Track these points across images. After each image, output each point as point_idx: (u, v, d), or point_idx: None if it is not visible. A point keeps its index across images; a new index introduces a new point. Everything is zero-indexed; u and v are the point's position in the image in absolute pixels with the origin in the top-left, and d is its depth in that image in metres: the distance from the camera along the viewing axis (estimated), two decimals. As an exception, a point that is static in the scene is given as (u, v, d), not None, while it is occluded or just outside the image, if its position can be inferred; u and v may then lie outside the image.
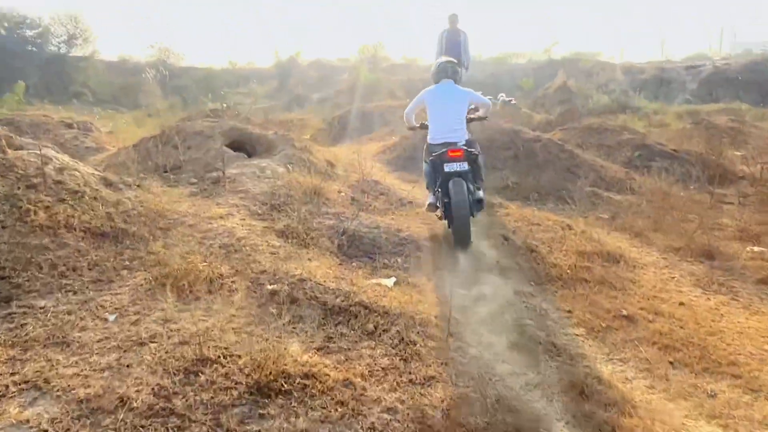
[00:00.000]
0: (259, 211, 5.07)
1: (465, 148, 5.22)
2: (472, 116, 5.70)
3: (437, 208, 5.37)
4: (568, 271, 4.94)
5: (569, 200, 7.41)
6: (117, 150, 7.11)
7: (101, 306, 3.31)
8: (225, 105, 9.21)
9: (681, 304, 4.64)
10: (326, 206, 5.52)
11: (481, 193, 5.34)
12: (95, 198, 4.40)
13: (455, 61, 5.84)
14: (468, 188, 5.11)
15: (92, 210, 4.22)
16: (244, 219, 4.82)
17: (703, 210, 7.32)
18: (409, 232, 5.30)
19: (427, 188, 5.63)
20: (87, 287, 3.49)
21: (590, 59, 35.67)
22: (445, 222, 5.40)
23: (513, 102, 17.95)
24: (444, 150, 5.18)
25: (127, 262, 3.85)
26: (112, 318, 3.20)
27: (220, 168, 5.81)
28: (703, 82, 31.99)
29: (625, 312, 4.31)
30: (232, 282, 3.69)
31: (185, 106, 28.70)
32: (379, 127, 13.37)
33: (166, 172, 6.17)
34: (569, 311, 4.29)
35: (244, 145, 6.83)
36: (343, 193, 6.04)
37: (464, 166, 5.15)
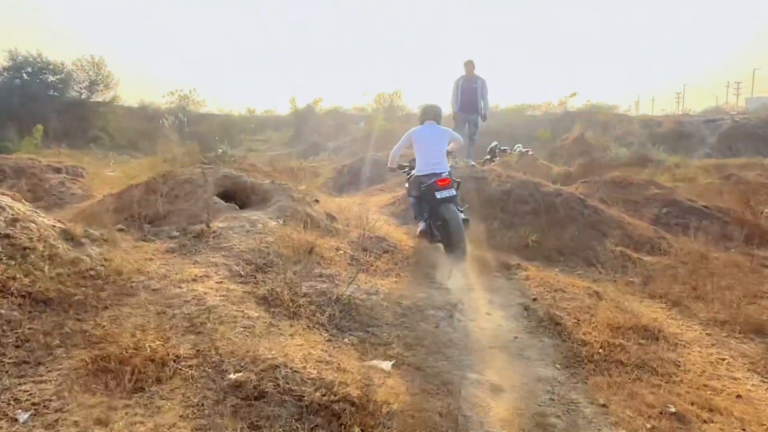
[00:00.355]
0: (242, 272, 4.36)
1: (451, 177, 6.11)
2: (448, 150, 6.50)
3: (428, 233, 6.23)
4: (600, 350, 4.12)
5: (595, 261, 6.65)
6: (102, 198, 6.50)
7: (16, 399, 2.58)
8: (222, 150, 8.59)
9: (738, 396, 3.81)
10: (321, 266, 4.79)
11: (464, 214, 6.15)
12: (47, 256, 3.73)
13: (438, 105, 6.71)
14: (457, 209, 5.99)
15: (39, 270, 3.53)
16: (221, 282, 4.11)
17: (744, 275, 6.51)
18: (414, 299, 4.54)
19: (415, 218, 6.58)
20: (7, 371, 2.78)
21: (607, 112, 35.30)
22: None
23: (530, 153, 17.33)
24: (433, 180, 6.00)
25: (65, 338, 3.13)
26: (23, 417, 2.47)
27: (205, 220, 5.15)
28: (722, 136, 31.41)
29: (672, 408, 3.48)
30: (189, 367, 2.95)
31: (202, 152, 28.70)
32: (390, 176, 12.77)
33: (147, 223, 5.52)
34: (604, 405, 3.47)
35: (237, 195, 6.20)
36: (341, 251, 5.32)
37: (453, 192, 5.99)
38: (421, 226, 6.30)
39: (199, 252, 4.66)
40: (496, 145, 18.08)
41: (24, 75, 25.33)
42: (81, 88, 28.06)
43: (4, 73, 25.10)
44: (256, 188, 6.08)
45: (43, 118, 25.22)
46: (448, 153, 6.53)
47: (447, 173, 6.11)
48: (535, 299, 4.94)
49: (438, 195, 5.90)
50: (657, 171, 16.16)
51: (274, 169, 15.52)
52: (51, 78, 26.25)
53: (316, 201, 9.28)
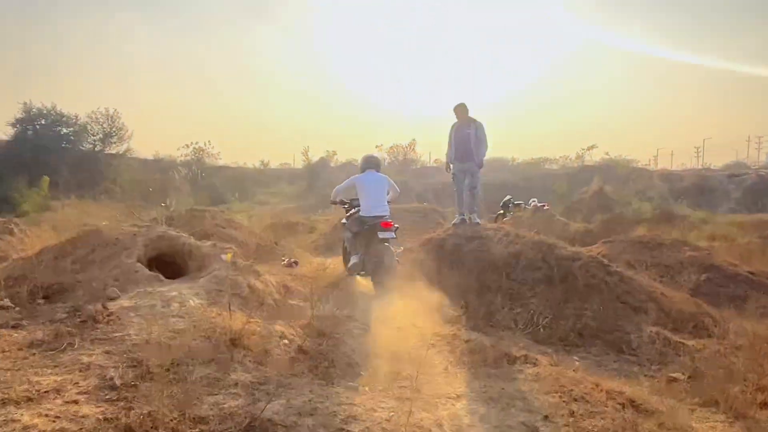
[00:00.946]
0: (117, 382, 2.95)
1: (392, 221, 6.57)
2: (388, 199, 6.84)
3: (359, 267, 6.56)
4: None
5: (625, 348, 5.13)
6: (14, 261, 5.20)
7: None
8: (166, 204, 7.26)
9: None
10: (243, 367, 3.37)
11: (398, 256, 6.70)
12: None
13: (377, 156, 7.44)
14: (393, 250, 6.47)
15: None
16: (74, 401, 2.71)
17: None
18: (371, 420, 3.06)
19: (348, 253, 6.93)
20: None
21: (626, 165, 33.82)
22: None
23: (546, 208, 15.90)
24: (378, 221, 6.44)
25: None
26: None
27: (106, 297, 3.80)
28: (747, 191, 29.74)
29: None
30: None
31: (213, 204, 27.75)
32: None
33: (44, 298, 4.20)
34: None
35: (175, 259, 4.87)
36: (287, 340, 3.89)
37: (393, 234, 6.47)
38: (354, 259, 6.67)
39: (73, 347, 3.28)
40: (509, 199, 16.70)
41: (37, 127, 24.88)
42: (94, 141, 27.54)
43: (18, 125, 24.65)
44: (195, 252, 4.74)
45: (54, 170, 24.64)
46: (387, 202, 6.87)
47: (389, 217, 6.62)
48: (546, 417, 3.42)
49: (380, 235, 6.36)
50: (684, 227, 14.55)
51: (270, 224, 14.31)
52: (64, 130, 25.79)
53: (295, 263, 7.98)
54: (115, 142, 28.49)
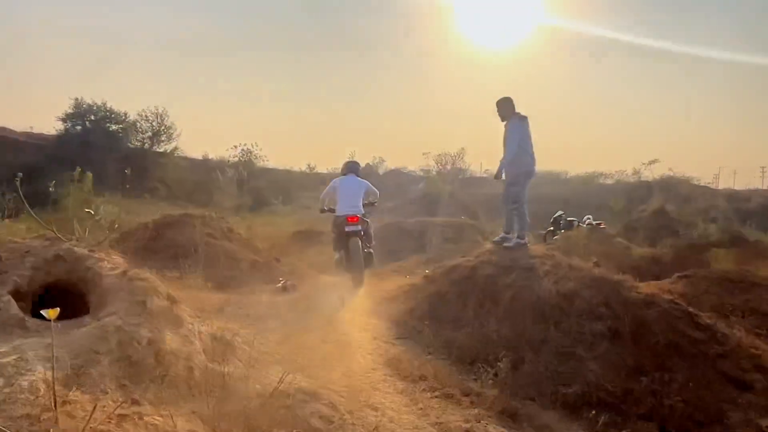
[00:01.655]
0: None
1: (362, 218, 6.93)
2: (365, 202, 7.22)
3: (342, 264, 6.92)
4: None
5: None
6: None
7: None
8: (97, 209, 5.61)
9: None
10: None
11: (371, 250, 7.14)
12: None
13: (357, 162, 7.91)
14: (361, 246, 6.74)
15: None
16: None
17: None
18: None
19: (335, 250, 7.16)
20: None
21: (687, 182, 30.87)
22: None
23: (603, 227, 13.87)
24: (345, 216, 6.84)
25: None
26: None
27: None
28: (823, 214, 26.54)
29: None
30: None
31: (257, 206, 26.67)
32: (422, 249, 9.67)
33: None
34: None
35: (76, 288, 3.36)
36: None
37: (358, 227, 6.80)
38: (337, 256, 7.03)
39: None
40: (560, 215, 14.70)
41: (87, 123, 24.37)
42: (143, 138, 26.93)
43: (67, 121, 24.21)
44: (97, 283, 3.21)
45: (102, 166, 24.11)
46: (372, 204, 7.41)
47: (360, 214, 6.89)
48: None
49: (347, 229, 6.73)
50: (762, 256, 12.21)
51: (295, 233, 12.78)
52: (113, 127, 25.20)
53: (292, 286, 6.41)
54: (163, 141, 27.84)
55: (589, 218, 14.33)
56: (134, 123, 26.44)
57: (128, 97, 55.42)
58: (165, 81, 55.71)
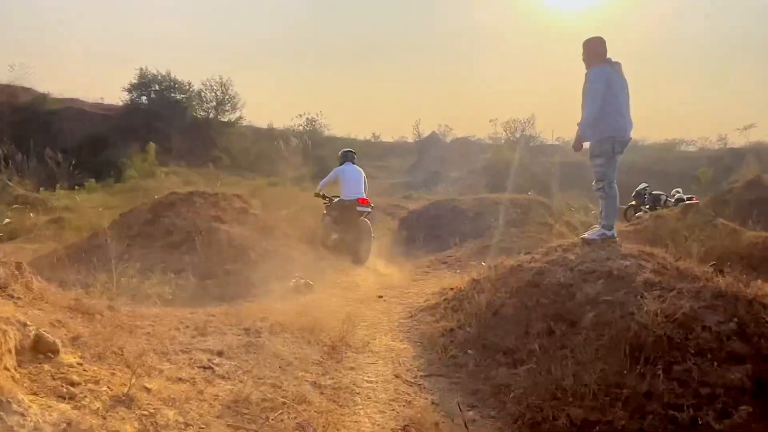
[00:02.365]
0: None
1: (368, 200, 7.62)
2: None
3: (341, 241, 7.45)
4: None
5: None
6: None
7: None
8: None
9: None
10: None
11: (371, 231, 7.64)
12: None
13: (352, 150, 8.32)
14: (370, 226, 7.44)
15: None
16: None
17: None
18: None
19: (330, 231, 7.67)
20: None
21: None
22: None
23: (695, 201, 11.76)
24: (356, 199, 7.44)
25: None
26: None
27: None
28: None
29: None
30: None
31: (322, 175, 25.73)
32: (480, 233, 8.05)
33: None
34: None
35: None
36: None
37: (369, 208, 7.57)
38: (335, 236, 7.58)
39: None
40: (644, 189, 12.64)
41: (151, 93, 24.00)
42: (207, 108, 26.39)
43: (132, 91, 23.90)
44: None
45: (166, 136, 23.83)
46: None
47: (366, 197, 7.61)
48: None
49: (359, 208, 7.39)
50: None
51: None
52: (177, 97, 24.73)
53: (308, 285, 5.11)
54: (228, 110, 27.24)
55: (678, 191, 12.21)
56: (198, 93, 25.96)
57: (193, 67, 55.69)
58: (230, 50, 55.51)
